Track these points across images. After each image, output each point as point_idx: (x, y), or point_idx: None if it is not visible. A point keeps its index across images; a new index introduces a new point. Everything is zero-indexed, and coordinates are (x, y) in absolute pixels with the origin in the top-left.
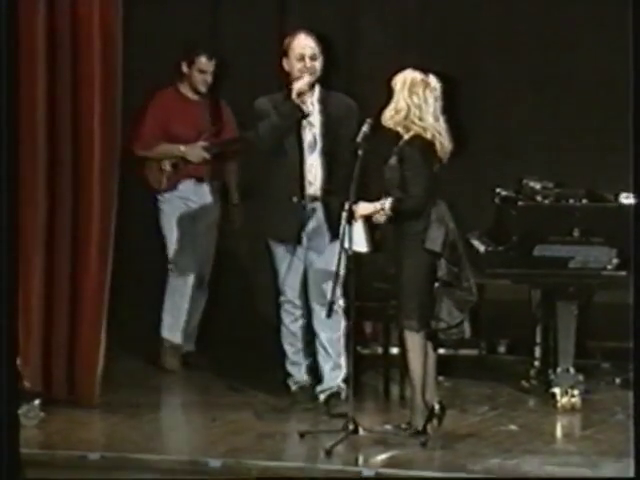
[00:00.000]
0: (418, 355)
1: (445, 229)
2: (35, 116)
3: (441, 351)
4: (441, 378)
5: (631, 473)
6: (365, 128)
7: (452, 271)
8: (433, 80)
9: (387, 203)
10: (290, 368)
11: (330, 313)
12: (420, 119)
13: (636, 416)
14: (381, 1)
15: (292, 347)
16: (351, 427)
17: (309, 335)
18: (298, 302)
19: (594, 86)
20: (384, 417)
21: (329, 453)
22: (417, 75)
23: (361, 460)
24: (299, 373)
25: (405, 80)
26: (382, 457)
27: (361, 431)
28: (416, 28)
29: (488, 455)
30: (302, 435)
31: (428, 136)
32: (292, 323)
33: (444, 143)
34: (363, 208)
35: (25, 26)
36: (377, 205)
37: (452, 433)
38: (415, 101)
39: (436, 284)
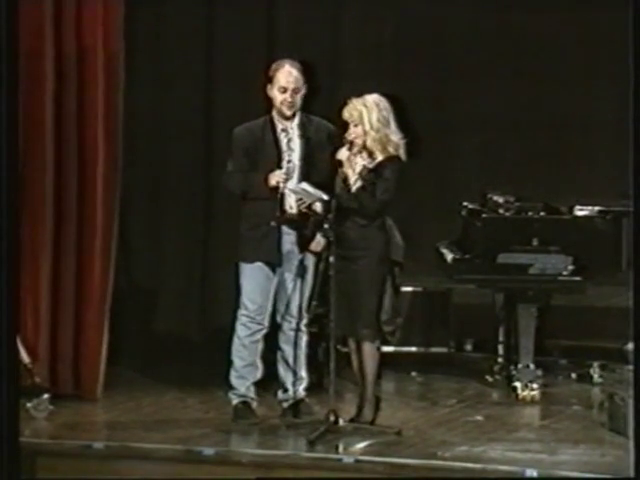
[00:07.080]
0: (374, 357)
1: (400, 241)
2: (43, 135)
3: (413, 349)
4: (414, 374)
5: (631, 473)
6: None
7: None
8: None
9: (359, 181)
10: (235, 381)
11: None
12: (394, 139)
13: (636, 415)
14: (360, 26)
15: (242, 360)
16: (332, 418)
17: (269, 351)
18: (258, 318)
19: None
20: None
21: (312, 443)
22: (382, 98)
23: (341, 448)
24: (243, 387)
25: (377, 102)
26: (360, 446)
27: (341, 422)
28: (392, 53)
29: (457, 443)
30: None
31: (402, 157)
32: (247, 337)
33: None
34: (342, 153)
35: (32, 52)
36: (356, 160)
37: (424, 424)
38: (390, 121)
39: (388, 291)
